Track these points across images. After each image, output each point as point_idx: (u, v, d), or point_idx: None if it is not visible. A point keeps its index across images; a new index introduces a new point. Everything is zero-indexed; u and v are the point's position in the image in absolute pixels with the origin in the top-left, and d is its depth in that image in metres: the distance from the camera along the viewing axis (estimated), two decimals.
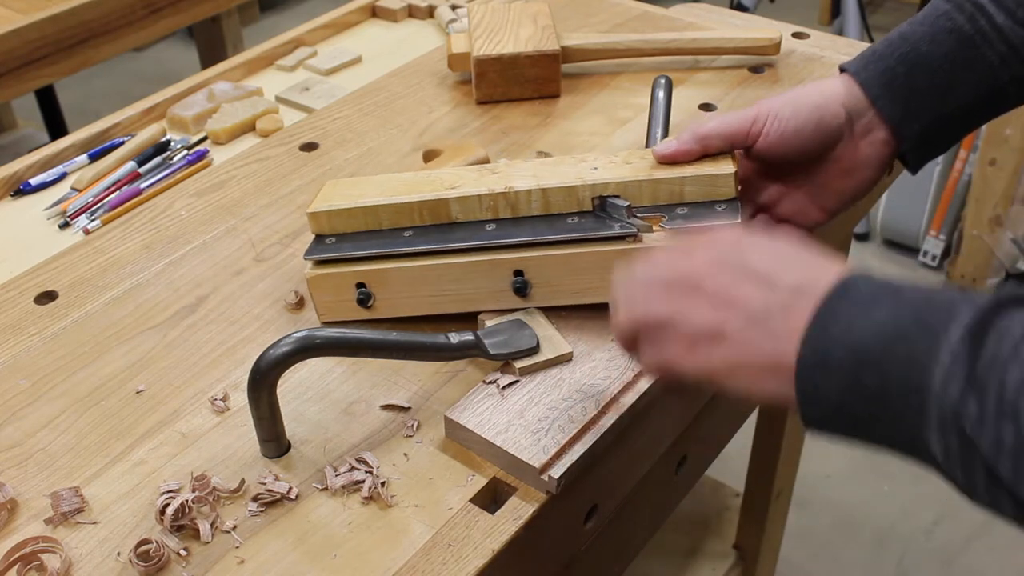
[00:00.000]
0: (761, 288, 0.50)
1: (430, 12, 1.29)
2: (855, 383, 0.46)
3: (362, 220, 0.76)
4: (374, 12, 1.30)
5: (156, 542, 0.60)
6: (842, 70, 0.74)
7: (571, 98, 1.07)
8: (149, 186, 0.96)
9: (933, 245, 2.35)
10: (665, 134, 0.89)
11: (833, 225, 1.00)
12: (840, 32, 2.63)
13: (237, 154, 1.01)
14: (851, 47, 1.14)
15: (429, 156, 0.94)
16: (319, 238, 0.77)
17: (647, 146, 0.90)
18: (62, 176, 1.00)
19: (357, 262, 0.75)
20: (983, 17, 0.66)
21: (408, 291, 0.75)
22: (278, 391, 0.65)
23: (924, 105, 0.69)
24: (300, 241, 0.87)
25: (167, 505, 0.62)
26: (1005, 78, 0.68)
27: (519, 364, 0.70)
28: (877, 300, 0.47)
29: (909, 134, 0.70)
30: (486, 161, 0.90)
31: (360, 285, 0.75)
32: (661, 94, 0.92)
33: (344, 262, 0.76)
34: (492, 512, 0.63)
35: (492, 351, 0.69)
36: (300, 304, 0.80)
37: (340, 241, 0.76)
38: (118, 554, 0.61)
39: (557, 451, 0.64)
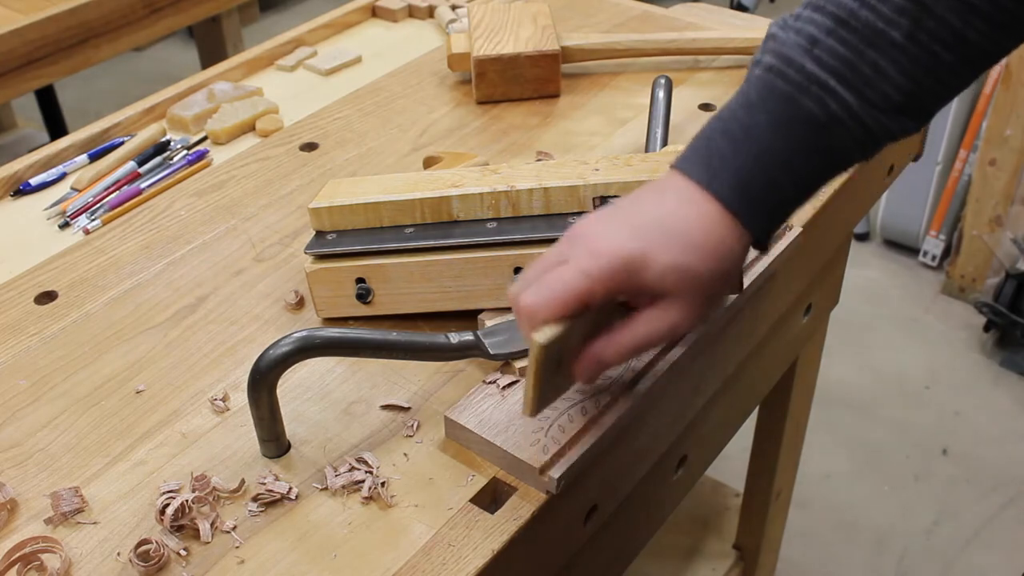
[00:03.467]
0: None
1: (430, 12, 1.29)
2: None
3: (363, 216, 0.76)
4: (374, 12, 1.30)
5: (156, 542, 0.60)
6: (675, 168, 0.62)
7: (571, 98, 1.07)
8: (149, 186, 0.96)
9: (933, 245, 2.35)
10: (665, 134, 0.90)
11: (833, 225, 1.01)
12: None
13: (237, 154, 1.01)
14: None
15: (429, 163, 0.94)
16: (320, 234, 0.77)
17: (647, 147, 0.90)
18: (62, 176, 1.00)
19: (357, 257, 0.75)
20: (834, 101, 0.58)
21: (407, 287, 0.75)
22: (278, 391, 0.65)
23: (784, 204, 0.61)
24: (300, 241, 0.87)
25: (167, 505, 0.62)
26: (857, 157, 0.61)
27: (519, 364, 0.70)
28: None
29: (768, 232, 0.62)
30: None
31: (360, 280, 0.75)
32: (661, 94, 0.92)
33: (344, 257, 0.76)
34: (492, 512, 0.63)
35: (492, 351, 0.69)
36: (300, 304, 0.80)
37: (340, 237, 0.77)
38: (118, 554, 0.61)
39: (557, 451, 0.64)
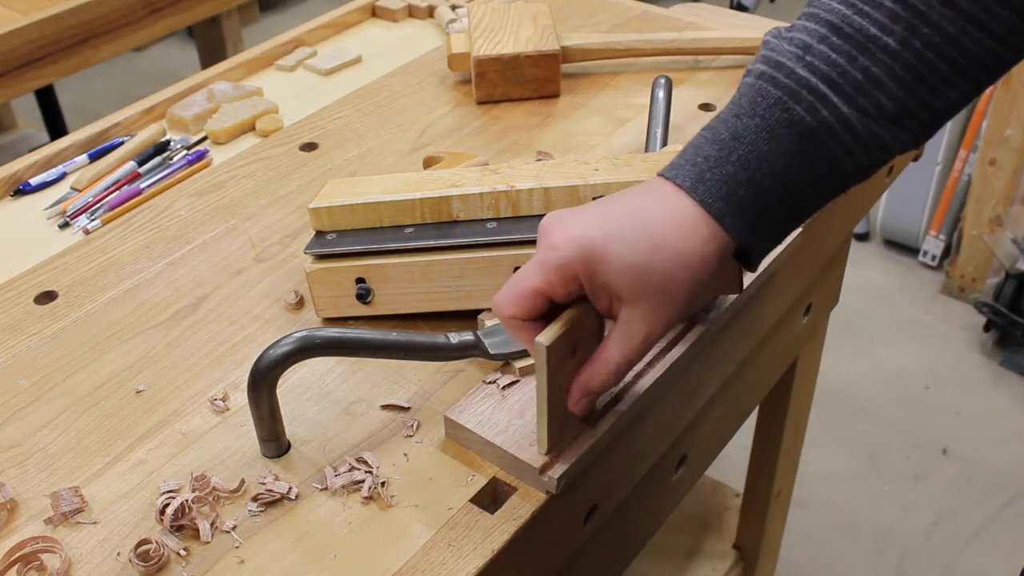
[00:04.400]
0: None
1: (430, 12, 1.29)
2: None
3: (363, 216, 0.76)
4: (374, 12, 1.30)
5: (156, 542, 0.60)
6: (664, 177, 0.60)
7: (571, 98, 1.07)
8: (149, 186, 0.96)
9: (933, 245, 2.35)
10: (665, 134, 0.90)
11: (833, 225, 1.01)
12: None
13: (237, 154, 1.01)
14: None
15: (429, 163, 0.94)
16: (320, 234, 0.77)
17: (647, 147, 0.90)
18: (62, 176, 1.00)
19: (357, 257, 0.75)
20: (824, 107, 0.57)
21: (408, 287, 0.75)
22: (278, 391, 0.65)
23: (771, 212, 0.59)
24: (300, 241, 0.87)
25: (167, 505, 0.62)
26: (849, 167, 0.59)
27: (519, 364, 0.70)
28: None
29: (758, 243, 0.60)
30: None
31: (360, 280, 0.75)
32: (661, 94, 0.92)
33: (344, 257, 0.76)
34: (492, 512, 0.63)
35: (492, 351, 0.69)
36: (300, 304, 0.80)
37: (340, 237, 0.77)
38: (118, 554, 0.61)
39: (557, 451, 0.64)
